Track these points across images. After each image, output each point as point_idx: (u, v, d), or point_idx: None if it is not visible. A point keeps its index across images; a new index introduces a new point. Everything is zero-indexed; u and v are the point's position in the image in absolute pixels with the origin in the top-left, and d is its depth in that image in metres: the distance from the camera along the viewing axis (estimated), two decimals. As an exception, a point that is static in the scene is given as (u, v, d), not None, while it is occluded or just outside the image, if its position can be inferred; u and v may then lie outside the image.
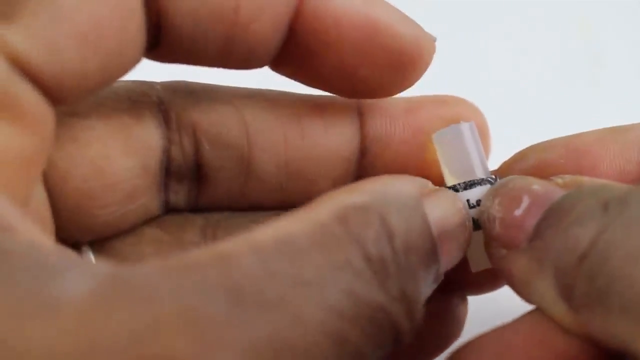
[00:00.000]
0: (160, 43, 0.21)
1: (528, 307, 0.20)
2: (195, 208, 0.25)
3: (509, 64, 0.43)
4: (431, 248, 0.19)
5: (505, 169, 0.24)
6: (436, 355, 0.25)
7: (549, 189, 0.20)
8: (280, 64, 0.23)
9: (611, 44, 0.44)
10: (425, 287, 0.19)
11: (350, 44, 0.22)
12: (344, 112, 0.24)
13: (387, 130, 0.24)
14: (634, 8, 0.45)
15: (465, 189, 0.22)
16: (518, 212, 0.20)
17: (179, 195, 0.24)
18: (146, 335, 0.14)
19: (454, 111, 0.24)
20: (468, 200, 0.22)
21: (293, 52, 0.22)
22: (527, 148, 0.24)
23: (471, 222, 0.21)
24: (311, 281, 0.16)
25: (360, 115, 0.24)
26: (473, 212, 0.22)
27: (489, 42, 0.44)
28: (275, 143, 0.23)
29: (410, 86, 0.23)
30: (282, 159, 0.24)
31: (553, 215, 0.19)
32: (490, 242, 0.21)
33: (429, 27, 0.23)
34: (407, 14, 0.22)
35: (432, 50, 0.22)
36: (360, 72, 0.22)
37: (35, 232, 0.17)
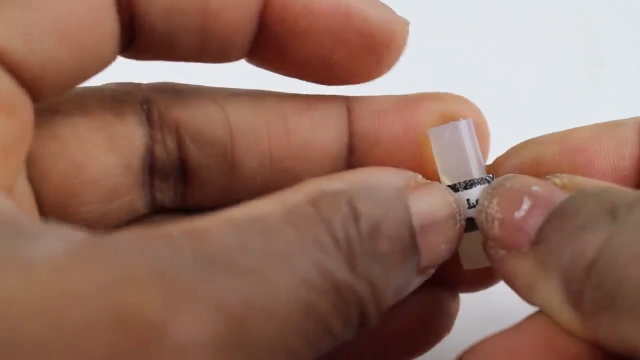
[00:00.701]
0: (135, 40, 0.21)
1: (519, 303, 0.20)
2: (183, 207, 0.25)
3: (508, 64, 0.43)
4: (409, 238, 0.19)
5: (500, 164, 0.23)
6: (427, 349, 0.25)
7: (550, 191, 0.20)
8: (255, 56, 0.23)
9: (610, 44, 0.44)
10: (401, 276, 0.19)
11: (322, 30, 0.22)
12: (331, 108, 0.24)
13: (376, 127, 0.24)
14: (634, 8, 0.45)
15: (465, 188, 0.22)
16: (519, 214, 0.19)
17: (166, 193, 0.24)
18: (117, 288, 0.15)
19: (450, 107, 0.23)
20: (468, 200, 0.22)
21: (267, 42, 0.22)
22: (521, 143, 0.24)
23: (463, 218, 0.21)
24: (282, 253, 0.17)
25: (349, 111, 0.24)
26: (472, 211, 0.22)
27: (488, 43, 0.44)
28: (259, 141, 0.24)
29: (386, 70, 0.23)
30: (267, 157, 0.24)
31: (557, 219, 0.19)
32: (488, 242, 0.21)
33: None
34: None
35: (405, 33, 0.23)
36: (334, 57, 0.22)
37: (15, 207, 0.17)
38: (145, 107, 0.23)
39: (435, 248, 0.20)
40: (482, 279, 0.24)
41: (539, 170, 0.22)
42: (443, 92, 0.24)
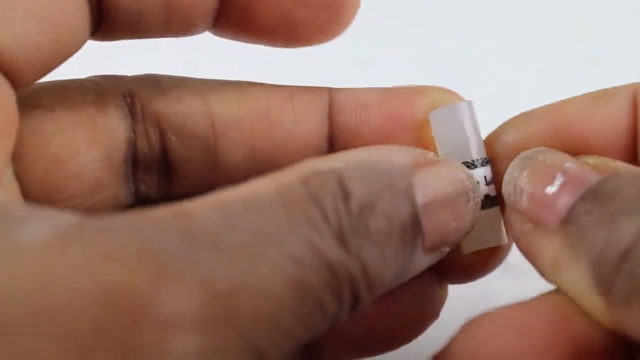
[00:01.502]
0: (103, 20, 0.21)
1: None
2: (168, 199, 0.25)
3: (507, 65, 0.43)
4: (408, 216, 0.19)
5: (493, 141, 0.23)
6: (414, 335, 0.25)
7: (584, 171, 0.19)
8: (219, 26, 0.23)
9: (610, 44, 0.44)
10: (401, 255, 0.19)
11: None
12: (314, 100, 0.24)
13: (358, 120, 0.24)
14: (634, 8, 0.45)
15: (482, 165, 0.22)
16: (550, 190, 0.19)
17: (150, 185, 0.24)
18: (102, 266, 0.15)
19: (433, 99, 0.23)
20: (485, 177, 0.22)
21: (229, 10, 0.22)
22: (512, 118, 0.23)
23: (478, 196, 0.21)
24: (271, 232, 0.17)
25: (331, 103, 0.24)
26: (489, 189, 0.22)
27: (488, 43, 0.44)
28: (242, 134, 0.24)
29: (346, 26, 0.23)
30: (250, 149, 0.24)
31: (590, 201, 0.18)
32: (513, 214, 0.20)
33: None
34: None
35: None
36: (295, 18, 0.23)
37: (2, 195, 0.18)
38: (128, 100, 0.23)
39: (443, 227, 0.20)
40: (473, 266, 0.24)
41: (529, 146, 0.22)
42: (427, 85, 0.24)
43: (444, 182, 0.20)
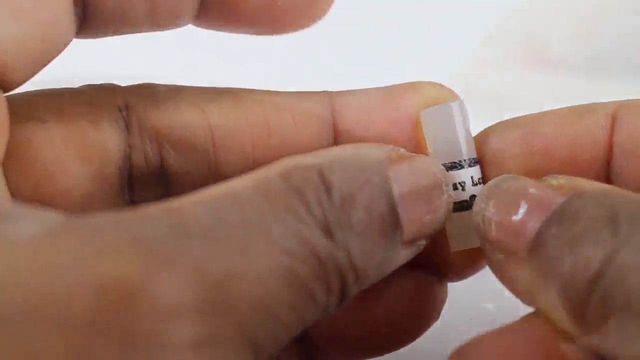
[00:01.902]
0: (88, 16, 0.21)
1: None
2: None
3: (507, 64, 0.43)
4: (387, 207, 0.19)
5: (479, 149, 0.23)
6: (415, 335, 0.25)
7: (548, 194, 0.19)
8: (203, 16, 0.23)
9: (610, 44, 0.44)
10: (382, 247, 0.19)
11: None
12: (314, 106, 0.24)
13: (360, 124, 0.24)
14: (634, 8, 0.45)
15: (470, 165, 0.22)
16: (516, 218, 0.19)
17: (147, 199, 0.24)
18: (96, 258, 0.15)
19: (426, 95, 0.23)
20: (472, 177, 0.22)
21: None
22: (490, 127, 0.23)
23: (451, 189, 0.21)
24: (258, 224, 0.17)
25: (333, 108, 0.24)
26: (476, 189, 0.22)
27: (487, 42, 0.44)
28: (242, 144, 0.23)
29: (327, 9, 0.23)
30: (250, 159, 0.23)
31: (555, 225, 0.18)
32: (486, 245, 0.20)
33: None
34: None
35: None
36: (278, 4, 0.22)
37: None
38: (124, 113, 0.23)
39: (419, 219, 0.20)
40: (468, 263, 0.24)
41: (507, 154, 0.22)
42: (421, 81, 0.24)
43: (417, 176, 0.20)
